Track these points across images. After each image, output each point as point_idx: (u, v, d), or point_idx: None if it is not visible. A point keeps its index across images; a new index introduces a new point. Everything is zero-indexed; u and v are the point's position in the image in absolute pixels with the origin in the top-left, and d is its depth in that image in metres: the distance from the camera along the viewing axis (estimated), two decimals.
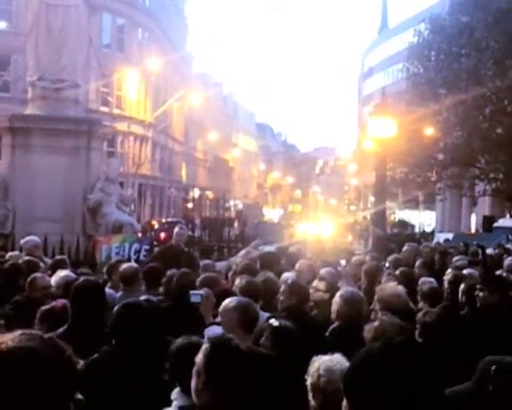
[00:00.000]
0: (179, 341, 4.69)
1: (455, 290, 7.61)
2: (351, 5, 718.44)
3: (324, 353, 4.43)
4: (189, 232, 22.63)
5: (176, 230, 12.78)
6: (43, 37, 17.69)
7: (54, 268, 9.23)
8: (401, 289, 6.64)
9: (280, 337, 5.20)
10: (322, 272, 8.53)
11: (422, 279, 8.55)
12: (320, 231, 46.42)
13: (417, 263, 11.14)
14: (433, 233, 46.61)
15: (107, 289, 7.58)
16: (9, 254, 9.92)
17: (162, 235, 32.37)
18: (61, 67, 17.67)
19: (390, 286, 6.69)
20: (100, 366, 4.80)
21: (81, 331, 5.44)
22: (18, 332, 1.93)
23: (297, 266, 9.63)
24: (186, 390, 4.05)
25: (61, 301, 6.46)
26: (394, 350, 2.24)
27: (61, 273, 7.96)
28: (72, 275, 7.80)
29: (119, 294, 7.83)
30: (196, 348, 3.94)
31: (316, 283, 7.73)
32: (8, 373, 1.83)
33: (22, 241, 12.11)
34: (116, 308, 5.28)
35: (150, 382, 4.81)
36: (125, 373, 4.78)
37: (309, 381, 3.93)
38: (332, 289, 7.25)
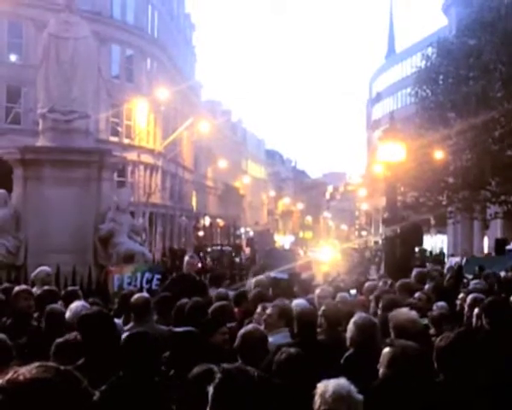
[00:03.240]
0: (196, 369, 4.67)
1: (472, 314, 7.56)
2: (358, 31, 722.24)
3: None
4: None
5: (186, 258, 12.65)
6: (53, 69, 17.83)
7: (66, 299, 9.22)
8: (415, 314, 6.61)
9: (286, 366, 5.20)
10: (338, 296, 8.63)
11: (437, 304, 8.49)
12: (329, 258, 46.31)
13: (427, 287, 11.10)
14: (443, 256, 46.45)
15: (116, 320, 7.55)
16: (16, 288, 9.86)
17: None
18: (71, 98, 17.80)
19: (403, 312, 6.65)
20: (107, 397, 4.78)
21: (99, 362, 5.43)
22: (35, 364, 1.93)
23: (317, 291, 9.65)
24: None
25: (74, 334, 6.46)
26: (404, 379, 2.25)
27: (78, 304, 7.92)
28: (87, 305, 7.77)
29: (130, 324, 7.80)
30: (212, 375, 3.94)
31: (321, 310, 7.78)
32: (23, 405, 1.82)
33: (33, 274, 12.17)
34: (122, 340, 5.29)
35: None
36: (132, 404, 4.77)
37: (316, 401, 4.07)
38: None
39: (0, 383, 1.87)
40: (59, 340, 6.34)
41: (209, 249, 47.91)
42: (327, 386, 4.11)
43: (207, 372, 4.44)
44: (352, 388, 4.08)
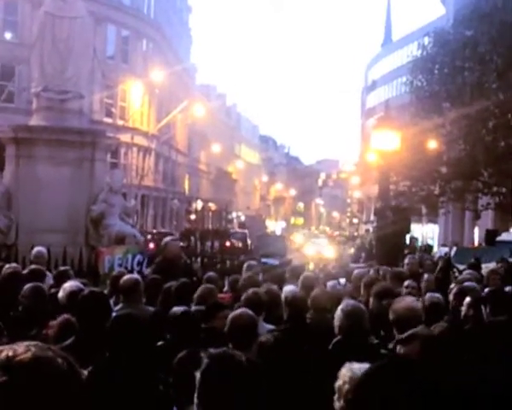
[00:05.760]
0: (182, 353, 4.69)
1: (460, 304, 7.56)
2: (354, 19, 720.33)
3: (325, 363, 4.51)
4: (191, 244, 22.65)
5: (169, 241, 12.35)
6: (48, 48, 17.73)
7: (57, 279, 9.24)
8: (417, 303, 6.61)
9: (265, 352, 5.23)
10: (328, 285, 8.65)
11: (428, 294, 8.48)
12: (321, 245, 46.07)
13: (426, 277, 11.13)
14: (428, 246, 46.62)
15: None
16: (7, 266, 9.92)
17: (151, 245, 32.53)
18: (65, 78, 17.72)
19: (406, 300, 6.66)
20: (94, 377, 4.79)
21: (88, 342, 5.45)
22: (25, 343, 1.90)
23: (301, 278, 9.64)
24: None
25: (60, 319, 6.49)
26: (390, 369, 2.28)
27: (72, 283, 7.90)
28: (80, 286, 7.75)
29: (119, 306, 7.80)
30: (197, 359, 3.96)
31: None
32: (29, 384, 1.79)
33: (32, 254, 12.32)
34: (109, 321, 5.32)
35: (144, 393, 4.80)
36: (119, 384, 4.79)
37: (336, 384, 4.07)
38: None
39: (2, 361, 1.83)
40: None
41: (232, 232, 54.20)
42: (349, 367, 4.20)
43: (192, 355, 4.46)
44: None
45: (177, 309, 6.38)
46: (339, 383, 4.09)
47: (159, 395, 4.87)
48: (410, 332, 4.94)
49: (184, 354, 4.56)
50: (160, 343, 6.14)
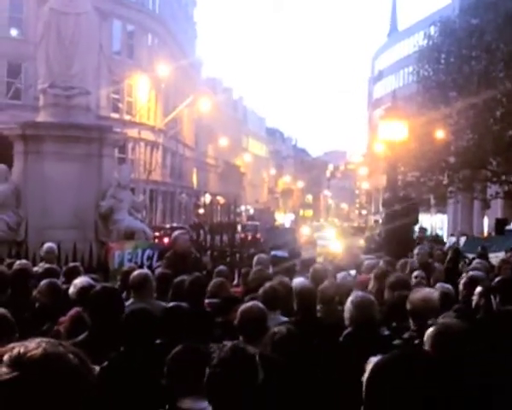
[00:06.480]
0: (177, 348, 4.67)
1: (470, 293, 7.56)
2: (360, 9, 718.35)
3: (335, 355, 4.49)
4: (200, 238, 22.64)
5: (178, 235, 12.32)
6: (53, 44, 17.73)
7: (67, 275, 9.27)
8: (433, 295, 6.58)
9: (276, 343, 5.23)
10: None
11: (438, 285, 8.47)
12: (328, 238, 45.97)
13: (437, 266, 11.13)
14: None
15: None
16: (17, 262, 9.98)
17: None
18: (71, 74, 17.72)
19: (424, 291, 6.65)
20: (108, 373, 4.81)
21: (101, 338, 5.46)
22: (36, 339, 1.90)
23: (310, 270, 9.65)
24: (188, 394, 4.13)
25: (71, 312, 6.50)
26: (401, 361, 2.28)
27: (83, 279, 7.91)
28: (91, 281, 7.75)
29: (130, 301, 7.81)
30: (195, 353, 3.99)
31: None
32: (40, 380, 1.78)
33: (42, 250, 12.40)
34: (123, 316, 5.33)
35: (154, 388, 4.81)
36: (133, 379, 4.81)
37: (364, 378, 4.03)
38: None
39: (13, 358, 1.83)
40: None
41: (243, 224, 56.58)
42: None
43: (187, 350, 4.46)
44: None
45: (169, 305, 6.40)
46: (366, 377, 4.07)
47: (163, 389, 4.88)
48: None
49: (179, 348, 4.55)
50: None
